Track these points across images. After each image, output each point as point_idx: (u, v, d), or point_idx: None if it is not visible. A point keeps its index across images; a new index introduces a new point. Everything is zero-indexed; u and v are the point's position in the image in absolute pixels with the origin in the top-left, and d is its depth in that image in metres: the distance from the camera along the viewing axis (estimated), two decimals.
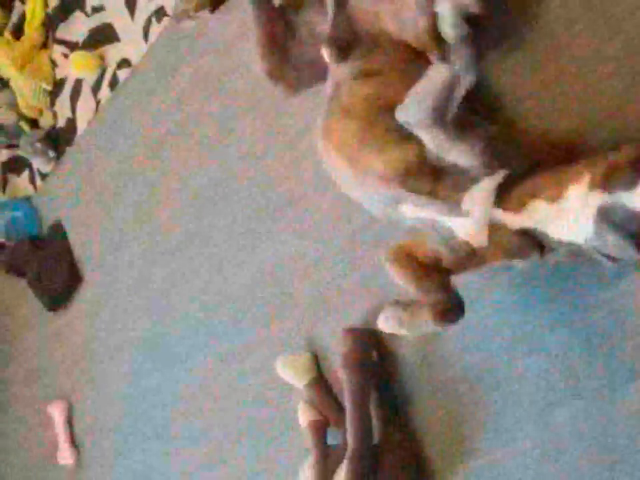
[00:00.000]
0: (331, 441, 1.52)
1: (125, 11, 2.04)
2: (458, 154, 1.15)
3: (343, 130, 1.26)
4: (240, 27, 1.72)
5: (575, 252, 1.09)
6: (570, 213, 1.06)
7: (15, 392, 2.76)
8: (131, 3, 2.01)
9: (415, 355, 1.43)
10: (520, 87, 1.23)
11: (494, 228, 1.13)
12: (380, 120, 1.22)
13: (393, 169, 1.19)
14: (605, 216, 1.01)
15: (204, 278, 1.89)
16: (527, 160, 1.15)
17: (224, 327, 1.84)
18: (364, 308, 1.50)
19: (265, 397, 1.73)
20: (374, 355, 1.46)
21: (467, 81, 1.16)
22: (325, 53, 1.31)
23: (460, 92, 1.16)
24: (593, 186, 1.03)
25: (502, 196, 1.12)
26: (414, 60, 1.26)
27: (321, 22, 1.36)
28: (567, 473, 1.21)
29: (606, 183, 1.01)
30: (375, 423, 1.41)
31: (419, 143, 1.18)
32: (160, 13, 1.92)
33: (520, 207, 1.10)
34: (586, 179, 1.04)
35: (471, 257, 1.17)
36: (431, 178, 1.17)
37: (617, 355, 1.15)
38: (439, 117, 1.15)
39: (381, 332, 1.46)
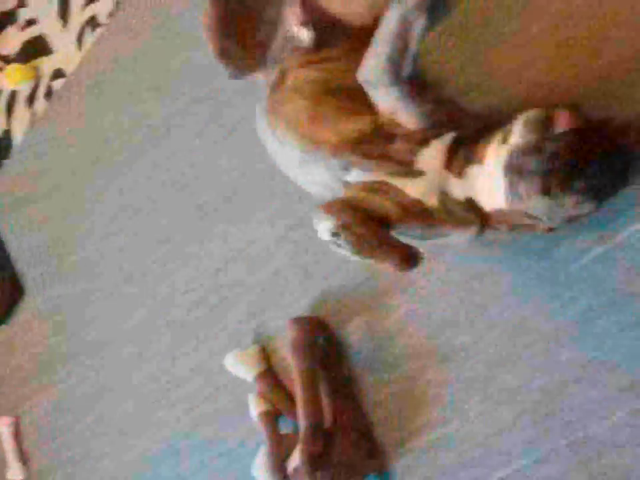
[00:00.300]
0: (285, 430, 1.56)
1: (58, 22, 2.06)
2: (409, 115, 1.15)
3: (292, 108, 1.27)
4: (176, 33, 1.76)
5: (507, 222, 1.15)
6: (489, 176, 1.10)
7: None
8: (64, 14, 2.03)
9: (361, 337, 1.48)
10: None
11: (444, 194, 1.15)
12: (330, 99, 1.23)
13: (346, 138, 1.19)
14: (513, 166, 1.06)
15: (150, 279, 1.91)
16: (475, 123, 1.17)
17: (172, 326, 1.86)
18: (309, 297, 1.55)
19: (216, 392, 1.76)
20: (320, 341, 1.50)
21: (419, 25, 1.13)
22: (303, 35, 1.31)
23: (414, 39, 1.13)
24: (501, 140, 1.08)
25: (451, 160, 1.14)
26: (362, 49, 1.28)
27: (272, 5, 1.37)
28: (511, 439, 1.27)
29: (509, 136, 1.07)
30: (326, 405, 1.45)
31: (371, 114, 1.19)
32: (93, 22, 1.95)
33: (461, 173, 1.13)
34: (498, 136, 1.10)
35: (422, 215, 1.17)
36: (382, 143, 1.17)
37: (561, 322, 1.22)
38: (396, 71, 1.14)
39: (326, 318, 1.53)
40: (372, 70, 1.16)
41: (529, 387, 1.25)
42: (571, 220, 1.10)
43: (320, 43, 1.31)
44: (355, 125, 1.19)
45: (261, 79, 1.41)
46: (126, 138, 1.93)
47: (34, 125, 2.21)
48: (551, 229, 1.13)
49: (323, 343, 1.50)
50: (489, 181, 1.11)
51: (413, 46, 1.13)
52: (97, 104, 1.99)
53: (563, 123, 1.05)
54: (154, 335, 1.91)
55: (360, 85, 1.20)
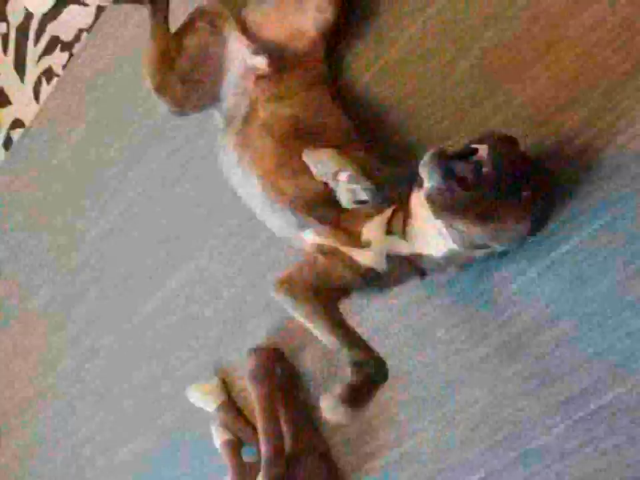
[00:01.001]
0: (248, 458, 1.60)
1: (15, 75, 2.11)
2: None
3: (260, 146, 1.29)
4: (128, 74, 1.83)
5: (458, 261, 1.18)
6: (422, 226, 1.15)
7: None
8: (20, 66, 2.09)
9: (317, 364, 1.53)
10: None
11: (392, 257, 1.20)
12: (297, 144, 1.25)
13: (303, 195, 1.23)
14: (440, 207, 1.07)
15: (111, 312, 1.94)
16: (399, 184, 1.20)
17: (134, 358, 1.89)
18: (267, 327, 1.60)
19: (179, 425, 1.79)
20: (278, 369, 1.55)
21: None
22: (259, 62, 1.35)
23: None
24: (418, 187, 1.12)
25: (391, 224, 1.18)
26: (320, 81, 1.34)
27: (213, 43, 1.42)
28: (464, 455, 1.33)
29: (421, 180, 1.10)
30: (286, 431, 1.49)
31: None
32: (49, 73, 2.01)
33: (404, 233, 1.17)
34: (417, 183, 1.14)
35: (373, 281, 1.23)
36: (335, 210, 1.21)
37: (503, 339, 1.28)
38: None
39: (282, 347, 1.58)
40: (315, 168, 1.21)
41: (477, 403, 1.31)
42: (519, 238, 1.12)
43: (279, 69, 1.36)
44: (313, 184, 1.22)
45: (217, 115, 1.45)
46: (87, 180, 1.97)
47: None
48: (505, 253, 1.18)
49: (280, 371, 1.55)
50: (429, 230, 1.14)
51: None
52: (57, 151, 2.04)
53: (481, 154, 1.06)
54: (123, 368, 1.94)
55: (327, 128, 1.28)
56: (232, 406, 1.64)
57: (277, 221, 1.29)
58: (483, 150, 1.05)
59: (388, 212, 1.20)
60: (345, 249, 1.21)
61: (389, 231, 1.19)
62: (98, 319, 1.97)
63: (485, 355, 1.30)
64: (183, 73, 1.41)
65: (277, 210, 1.27)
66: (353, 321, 1.44)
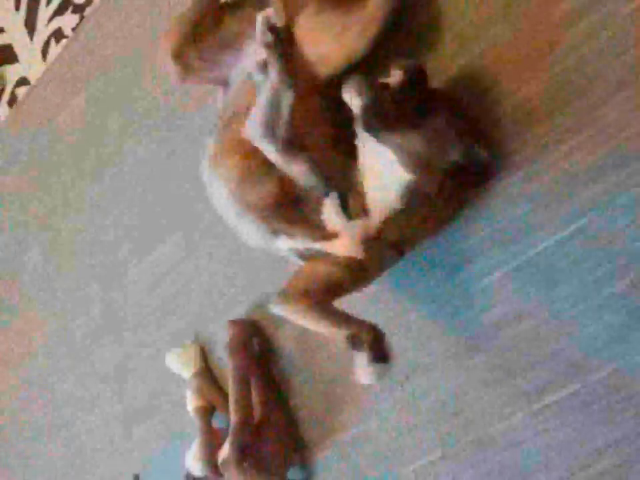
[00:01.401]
0: (218, 425, 1.65)
1: (24, 33, 2.15)
2: (291, 171, 1.24)
3: (228, 165, 1.31)
4: (140, 45, 1.86)
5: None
6: (374, 172, 1.21)
7: None
8: (31, 25, 2.12)
9: (292, 341, 1.57)
10: None
11: (363, 239, 1.24)
12: (258, 153, 1.27)
13: (267, 202, 1.27)
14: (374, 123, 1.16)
15: (101, 284, 1.99)
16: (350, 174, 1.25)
17: (122, 327, 1.94)
18: (246, 303, 1.65)
19: (158, 388, 1.84)
20: (255, 343, 1.60)
21: (288, 96, 1.23)
22: (257, 77, 1.31)
23: (284, 106, 1.23)
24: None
25: (348, 209, 1.23)
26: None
27: (249, 34, 1.39)
28: (422, 436, 1.37)
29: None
30: (256, 402, 1.54)
31: (281, 172, 1.26)
32: (58, 34, 2.04)
33: (363, 211, 1.22)
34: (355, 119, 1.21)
35: (363, 270, 1.26)
36: (295, 206, 1.25)
37: (464, 327, 1.33)
38: (269, 132, 1.23)
39: (261, 322, 1.63)
40: (250, 128, 1.25)
41: (440, 389, 1.35)
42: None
43: None
44: (270, 186, 1.26)
45: (219, 96, 1.46)
46: (86, 149, 2.01)
47: None
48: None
49: (257, 344, 1.60)
50: (382, 173, 1.20)
51: (285, 113, 1.23)
52: (60, 113, 2.08)
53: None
54: (100, 340, 1.99)
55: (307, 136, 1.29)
56: (207, 373, 1.69)
57: (252, 233, 1.32)
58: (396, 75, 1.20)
59: (334, 198, 1.24)
60: (319, 245, 1.26)
61: (349, 216, 1.23)
62: (85, 284, 2.02)
63: (452, 345, 1.34)
64: (207, 50, 1.40)
65: (249, 222, 1.31)
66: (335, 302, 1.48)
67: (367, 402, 1.45)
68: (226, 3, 1.41)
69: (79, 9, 1.99)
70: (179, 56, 1.39)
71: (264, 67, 1.26)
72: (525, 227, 1.25)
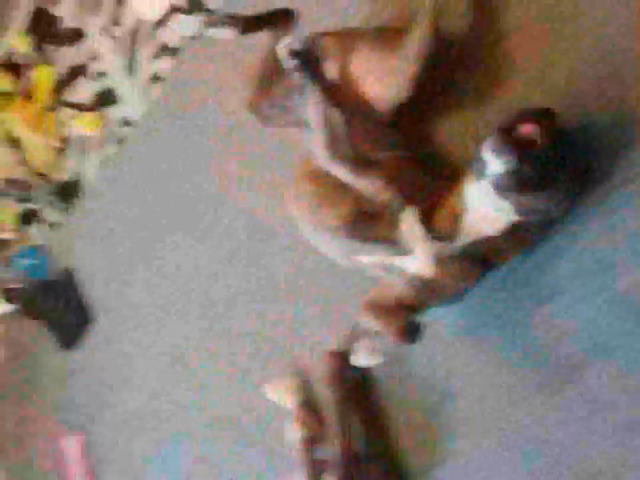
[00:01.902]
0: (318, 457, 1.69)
1: (126, 76, 2.26)
2: (365, 188, 1.28)
3: (305, 191, 1.38)
4: (229, 81, 1.93)
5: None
6: (485, 208, 1.20)
7: (29, 428, 2.93)
8: (131, 68, 2.23)
9: (388, 370, 1.60)
10: None
11: (439, 258, 1.26)
12: (331, 177, 1.34)
13: (342, 221, 1.31)
14: (508, 187, 1.14)
15: (205, 313, 2.07)
16: (433, 186, 1.29)
17: (215, 355, 2.02)
18: (339, 333, 1.69)
19: (257, 419, 1.91)
20: (351, 373, 1.64)
21: (335, 115, 1.27)
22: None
23: (336, 125, 1.27)
24: (479, 176, 1.18)
25: (430, 227, 1.25)
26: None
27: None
28: (530, 470, 1.38)
29: (483, 168, 1.16)
30: (356, 433, 1.57)
31: (356, 191, 1.31)
32: (157, 77, 2.14)
33: (452, 230, 1.23)
34: (469, 176, 1.20)
35: (430, 290, 1.29)
36: (372, 223, 1.29)
37: (551, 363, 1.33)
38: (334, 154, 1.28)
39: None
40: (317, 154, 1.31)
41: (531, 424, 1.36)
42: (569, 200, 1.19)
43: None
44: (345, 205, 1.32)
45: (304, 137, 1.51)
46: (187, 181, 2.10)
47: (102, 168, 2.41)
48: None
49: (353, 375, 1.64)
50: (488, 213, 1.20)
51: (341, 132, 1.27)
52: (161, 150, 2.18)
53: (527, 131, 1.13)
54: (203, 362, 2.08)
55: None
56: (307, 404, 1.74)
57: (333, 252, 1.38)
58: (530, 127, 1.13)
59: (410, 214, 1.26)
60: (395, 261, 1.29)
61: (428, 232, 1.26)
62: (184, 321, 2.11)
63: (537, 377, 1.34)
64: (276, 98, 1.47)
65: (328, 241, 1.37)
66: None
67: (468, 431, 1.46)
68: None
69: (173, 53, 2.08)
70: (254, 108, 1.49)
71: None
72: (615, 260, 1.24)
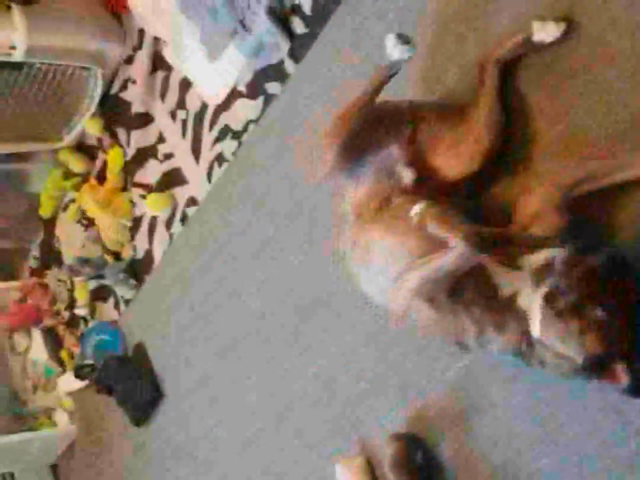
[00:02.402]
0: None
1: (191, 157, 2.33)
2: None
3: (381, 247, 1.41)
4: (291, 169, 1.97)
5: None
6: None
7: None
8: (197, 150, 2.30)
9: (453, 454, 1.58)
10: None
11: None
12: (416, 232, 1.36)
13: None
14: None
15: (270, 387, 2.08)
16: None
17: (284, 435, 2.03)
18: (407, 414, 1.67)
19: None
20: (419, 457, 1.61)
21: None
22: (406, 174, 1.44)
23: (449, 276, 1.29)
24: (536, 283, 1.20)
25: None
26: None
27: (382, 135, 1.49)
28: None
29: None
30: None
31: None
32: (220, 158, 2.20)
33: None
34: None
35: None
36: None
37: (619, 452, 1.29)
38: (424, 291, 1.30)
39: (421, 435, 1.64)
40: (406, 277, 1.34)
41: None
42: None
43: (416, 188, 1.45)
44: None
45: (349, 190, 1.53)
46: (247, 257, 2.14)
47: (171, 245, 2.47)
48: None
49: (420, 460, 1.61)
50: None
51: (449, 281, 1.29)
52: (225, 228, 2.22)
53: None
54: (271, 440, 2.08)
55: None
56: None
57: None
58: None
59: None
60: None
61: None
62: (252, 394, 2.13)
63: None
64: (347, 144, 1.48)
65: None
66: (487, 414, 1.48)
67: None
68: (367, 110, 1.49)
69: (236, 135, 2.13)
70: (335, 153, 1.47)
71: None
72: None
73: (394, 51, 1.45)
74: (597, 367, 1.15)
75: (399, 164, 1.48)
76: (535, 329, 1.20)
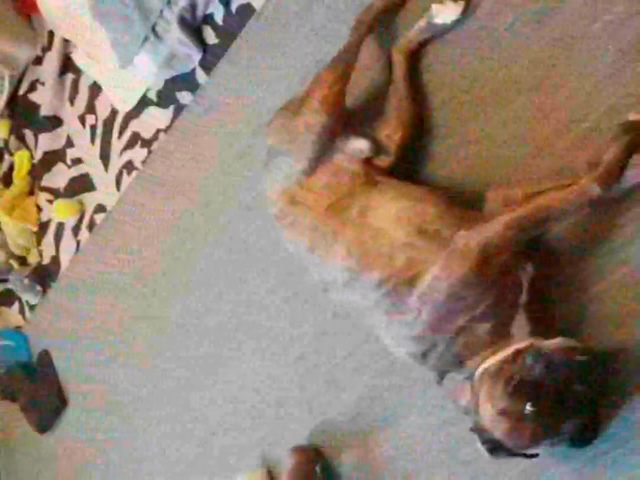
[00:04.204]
0: None
1: (100, 164, 2.29)
2: None
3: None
4: (203, 174, 1.97)
5: None
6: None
7: None
8: (105, 157, 2.27)
9: (354, 466, 1.61)
10: None
11: None
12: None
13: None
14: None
15: (178, 401, 2.07)
16: None
17: (187, 444, 2.02)
18: (310, 426, 1.69)
19: None
20: (317, 469, 1.64)
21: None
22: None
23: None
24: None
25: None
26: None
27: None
28: None
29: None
30: None
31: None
32: (130, 166, 2.18)
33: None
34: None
35: None
36: None
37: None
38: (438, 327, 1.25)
39: (324, 448, 1.66)
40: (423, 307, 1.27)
41: None
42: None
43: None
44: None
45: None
46: (157, 266, 2.12)
47: (78, 252, 2.43)
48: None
49: (319, 471, 1.64)
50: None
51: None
52: (133, 236, 2.20)
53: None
54: (177, 452, 2.07)
55: None
56: None
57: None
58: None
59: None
60: None
61: None
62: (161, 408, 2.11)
63: None
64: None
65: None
66: (390, 429, 1.51)
67: None
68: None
69: (146, 144, 2.12)
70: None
71: None
72: None
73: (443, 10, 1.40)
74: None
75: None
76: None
